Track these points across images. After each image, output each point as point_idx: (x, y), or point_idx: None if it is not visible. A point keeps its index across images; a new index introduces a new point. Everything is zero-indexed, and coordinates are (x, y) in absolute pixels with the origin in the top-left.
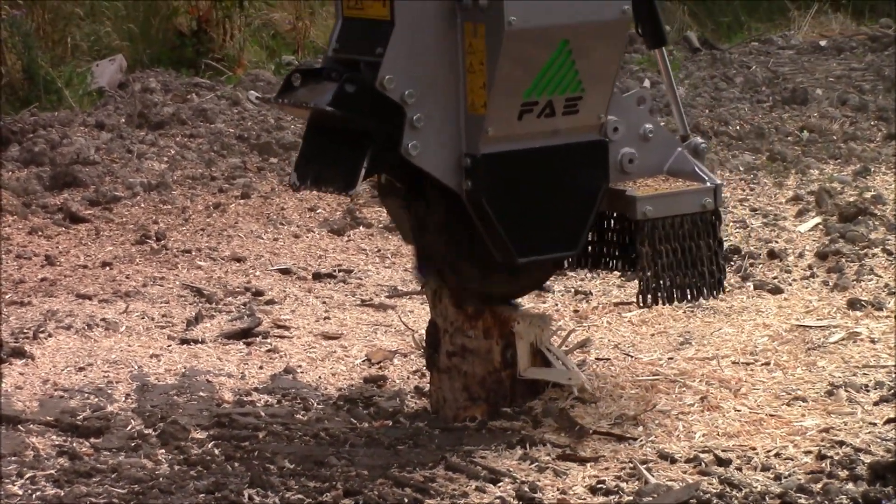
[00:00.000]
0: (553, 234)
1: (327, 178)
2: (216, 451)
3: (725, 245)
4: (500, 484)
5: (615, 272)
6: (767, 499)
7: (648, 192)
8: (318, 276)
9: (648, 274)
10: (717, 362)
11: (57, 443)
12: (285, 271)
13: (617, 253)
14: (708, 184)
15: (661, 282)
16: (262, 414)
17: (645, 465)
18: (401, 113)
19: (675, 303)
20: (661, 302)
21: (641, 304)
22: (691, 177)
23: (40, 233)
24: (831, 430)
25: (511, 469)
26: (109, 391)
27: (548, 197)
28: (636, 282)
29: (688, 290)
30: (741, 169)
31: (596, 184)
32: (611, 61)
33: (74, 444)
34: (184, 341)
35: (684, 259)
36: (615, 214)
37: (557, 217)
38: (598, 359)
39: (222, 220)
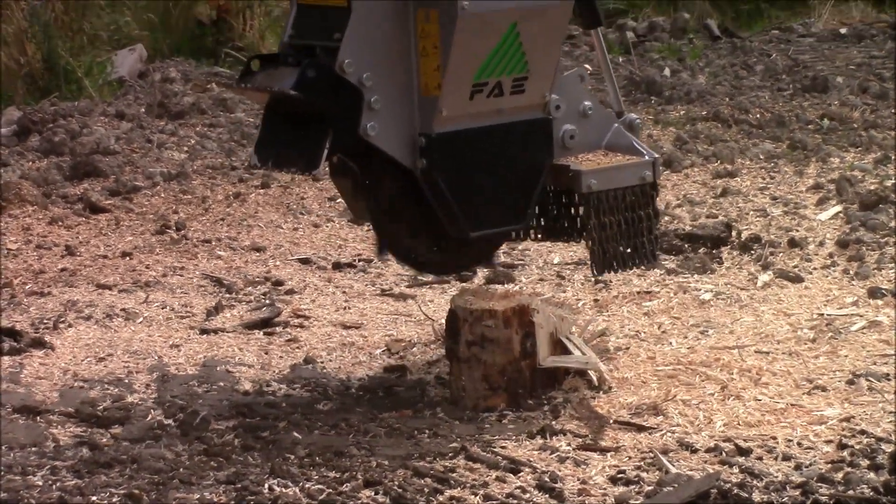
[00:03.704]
0: (502, 208)
1: (289, 159)
2: (236, 442)
3: (662, 218)
4: (520, 474)
5: (562, 242)
6: (788, 488)
7: (591, 166)
8: (337, 266)
9: (596, 245)
10: (738, 351)
11: (77, 433)
12: (305, 261)
13: (564, 225)
14: (646, 157)
15: (607, 251)
16: (283, 404)
17: (665, 455)
18: (358, 95)
19: (622, 270)
20: (610, 270)
21: (594, 274)
22: (629, 151)
23: (60, 223)
24: (852, 420)
25: (531, 459)
26: (129, 381)
27: (497, 173)
28: (588, 254)
29: (629, 259)
30: (761, 157)
31: (541, 159)
32: (555, 42)
33: (94, 435)
34: (204, 331)
35: (627, 229)
36: (554, 188)
37: (506, 192)
38: (617, 348)
39: (242, 209)
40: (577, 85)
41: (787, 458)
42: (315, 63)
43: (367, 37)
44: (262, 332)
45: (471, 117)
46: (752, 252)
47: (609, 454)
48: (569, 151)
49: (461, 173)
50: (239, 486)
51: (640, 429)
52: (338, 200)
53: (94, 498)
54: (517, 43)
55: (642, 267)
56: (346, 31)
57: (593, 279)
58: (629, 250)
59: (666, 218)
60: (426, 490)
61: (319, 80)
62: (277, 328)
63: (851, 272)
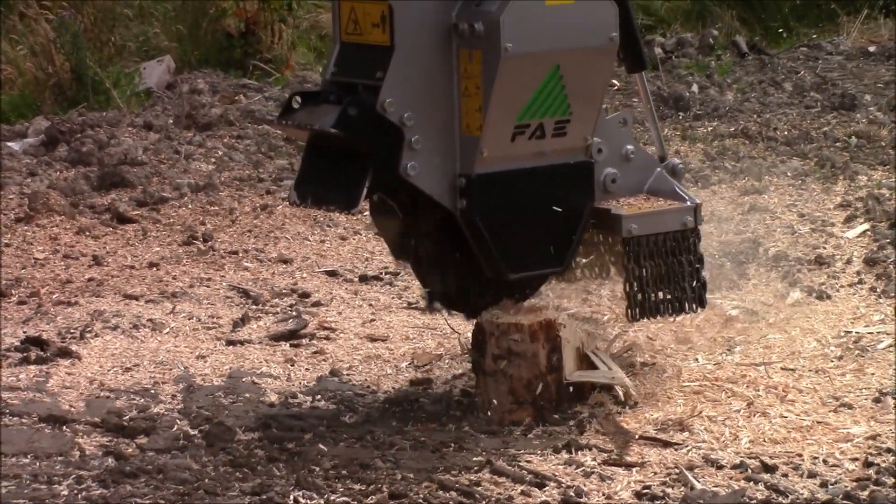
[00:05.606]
0: (542, 251)
1: (329, 197)
2: (261, 453)
3: (706, 261)
4: (545, 488)
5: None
6: None
7: (633, 210)
8: (364, 279)
9: (635, 289)
10: (764, 368)
11: (103, 443)
12: (332, 273)
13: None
14: (688, 203)
15: (646, 296)
16: (308, 416)
17: (691, 471)
18: (399, 135)
19: (660, 316)
20: (647, 316)
21: (629, 319)
22: (671, 196)
23: (88, 233)
24: (878, 438)
25: (556, 473)
26: (156, 392)
27: (537, 215)
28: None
29: (670, 305)
30: (789, 174)
31: (582, 203)
32: (598, 85)
33: (120, 445)
34: (230, 342)
35: (667, 275)
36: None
37: (546, 235)
38: (644, 364)
39: (269, 221)
40: (620, 128)
41: (812, 475)
42: (357, 101)
43: (410, 76)
44: (288, 344)
45: (512, 159)
46: (780, 269)
47: (634, 469)
48: (610, 195)
49: (501, 215)
50: (264, 497)
51: (666, 444)
52: (365, 213)
53: None
54: (560, 85)
55: (684, 314)
56: (389, 70)
57: (629, 320)
58: (669, 297)
59: None
60: (451, 503)
61: (361, 119)
62: (304, 340)
63: (879, 290)
